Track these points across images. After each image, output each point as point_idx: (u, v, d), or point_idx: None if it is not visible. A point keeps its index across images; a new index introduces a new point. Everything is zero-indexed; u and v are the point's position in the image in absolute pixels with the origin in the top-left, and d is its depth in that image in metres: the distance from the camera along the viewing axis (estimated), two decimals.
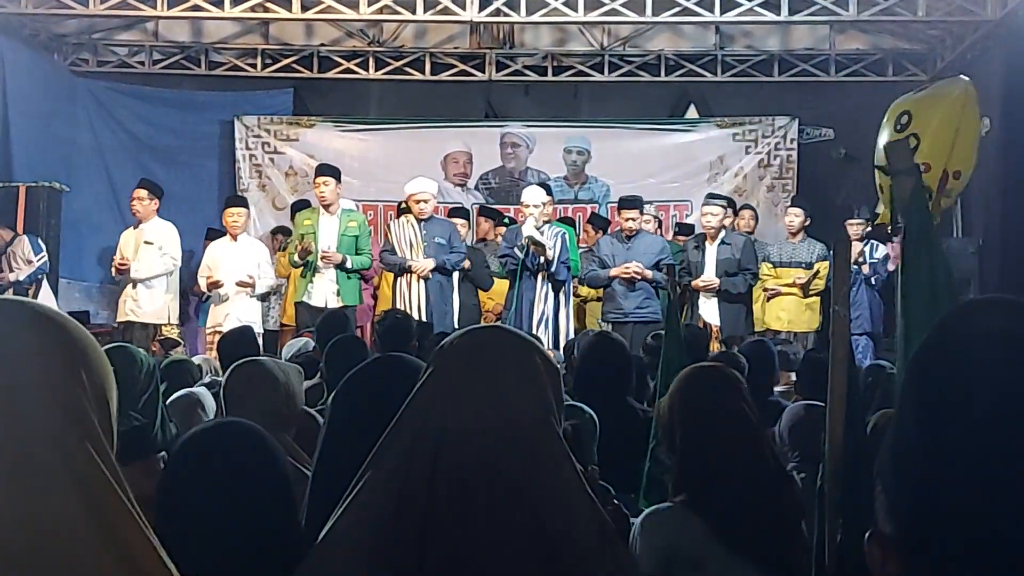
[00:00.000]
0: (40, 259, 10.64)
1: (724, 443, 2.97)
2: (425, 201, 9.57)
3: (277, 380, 3.74)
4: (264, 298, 10.72)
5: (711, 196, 10.61)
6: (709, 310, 9.96)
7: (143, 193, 10.14)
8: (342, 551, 1.69)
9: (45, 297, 10.62)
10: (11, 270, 10.54)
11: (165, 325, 10.04)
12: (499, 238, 10.80)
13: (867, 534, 0.98)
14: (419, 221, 9.51)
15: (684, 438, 3.05)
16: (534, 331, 8.89)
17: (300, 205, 11.78)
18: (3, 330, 1.29)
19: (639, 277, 9.63)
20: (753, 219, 11.40)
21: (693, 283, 9.99)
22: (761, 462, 2.98)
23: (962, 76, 4.72)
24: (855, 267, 9.94)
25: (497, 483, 1.65)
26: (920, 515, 0.93)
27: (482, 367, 1.77)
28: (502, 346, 1.81)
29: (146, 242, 10.02)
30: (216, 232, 10.46)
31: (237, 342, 6.51)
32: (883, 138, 3.54)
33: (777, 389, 6.80)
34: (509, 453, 1.67)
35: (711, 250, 10.03)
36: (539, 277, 9.36)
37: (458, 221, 10.82)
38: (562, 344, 8.85)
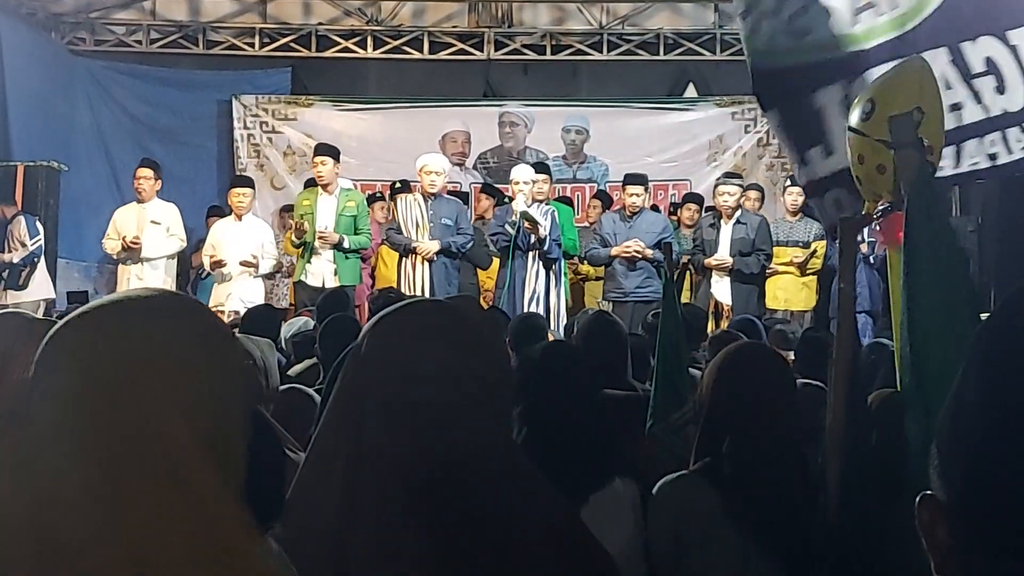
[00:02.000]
0: (35, 243, 10.52)
1: (753, 409, 2.91)
2: (437, 174, 9.48)
3: (252, 356, 3.70)
4: (270, 277, 10.72)
5: (728, 175, 10.58)
6: (721, 289, 9.91)
7: (149, 172, 10.12)
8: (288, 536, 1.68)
9: (41, 279, 10.62)
10: (8, 250, 10.50)
11: None
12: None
13: (917, 499, 0.99)
14: (426, 200, 9.45)
15: (712, 402, 3.00)
16: (526, 309, 8.88)
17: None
18: (154, 329, 1.22)
19: (639, 256, 9.61)
20: (759, 200, 11.34)
21: (706, 261, 9.94)
22: (786, 437, 2.94)
23: (918, 55, 4.78)
24: None
25: (424, 459, 1.62)
26: (974, 481, 0.94)
27: (410, 342, 1.73)
28: (431, 320, 1.77)
29: (152, 222, 10.00)
30: (218, 210, 10.42)
31: (258, 320, 6.49)
32: (848, 127, 3.58)
33: None
34: (438, 428, 1.65)
35: (726, 229, 9.97)
36: (530, 255, 9.33)
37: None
38: (551, 322, 8.81)
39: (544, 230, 9.24)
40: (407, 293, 8.81)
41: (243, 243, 9.93)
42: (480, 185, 13.08)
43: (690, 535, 2.86)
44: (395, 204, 10.02)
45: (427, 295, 8.94)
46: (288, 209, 12.31)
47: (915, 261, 2.40)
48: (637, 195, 9.86)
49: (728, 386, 2.98)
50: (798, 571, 2.81)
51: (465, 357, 1.71)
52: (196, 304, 1.29)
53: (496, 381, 1.74)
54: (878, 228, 3.19)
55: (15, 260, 10.41)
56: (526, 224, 9.19)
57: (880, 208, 3.15)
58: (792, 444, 2.93)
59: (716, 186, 10.41)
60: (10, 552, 1.12)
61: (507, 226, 9.32)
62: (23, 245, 10.44)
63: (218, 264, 9.86)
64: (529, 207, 9.32)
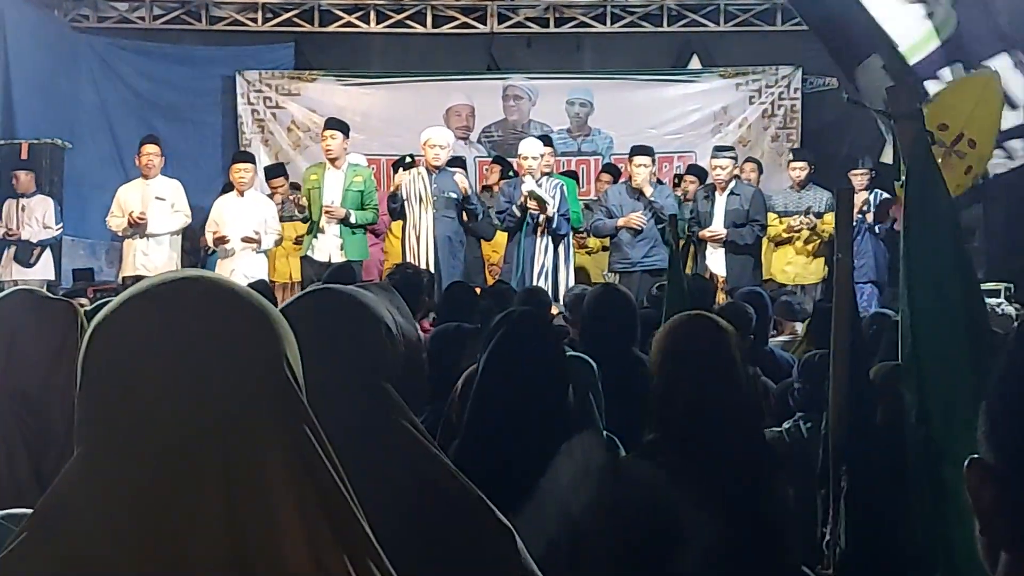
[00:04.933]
0: (59, 228, 10.86)
1: (700, 384, 2.83)
2: (441, 147, 9.45)
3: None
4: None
5: (719, 148, 10.56)
6: (716, 261, 9.95)
7: (156, 149, 10.15)
8: None
9: (47, 260, 10.82)
10: (20, 225, 10.59)
11: None
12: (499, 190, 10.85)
13: (966, 463, 1.00)
14: (430, 174, 9.45)
15: (660, 376, 2.93)
16: (535, 284, 8.88)
17: (273, 171, 11.87)
18: (206, 311, 1.18)
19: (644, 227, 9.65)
20: (756, 171, 11.32)
21: (700, 233, 9.96)
22: (738, 409, 2.85)
23: (988, 66, 4.92)
24: (859, 215, 9.94)
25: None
26: (1022, 443, 0.95)
27: (306, 329, 1.76)
28: (323, 308, 1.80)
29: (157, 198, 10.03)
30: (231, 187, 10.45)
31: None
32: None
33: (781, 339, 6.83)
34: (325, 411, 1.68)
35: (720, 201, 9.99)
36: (539, 230, 9.35)
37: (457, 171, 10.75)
38: (561, 297, 8.81)
39: (552, 208, 9.26)
40: (414, 266, 8.80)
41: (245, 219, 9.94)
42: (486, 159, 13.08)
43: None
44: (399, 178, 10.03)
45: (432, 267, 8.97)
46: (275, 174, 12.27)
47: (913, 231, 2.41)
48: (644, 165, 9.87)
49: (666, 354, 2.93)
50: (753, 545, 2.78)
51: (341, 339, 1.74)
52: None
53: (376, 360, 1.76)
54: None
55: (33, 240, 10.56)
56: (533, 204, 9.21)
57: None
58: (736, 410, 2.85)
59: (710, 159, 10.43)
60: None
61: (515, 207, 9.35)
62: (45, 227, 10.61)
63: (221, 240, 9.88)
64: (538, 181, 9.35)
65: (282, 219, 10.56)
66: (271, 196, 11.27)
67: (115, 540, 1.09)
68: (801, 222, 10.24)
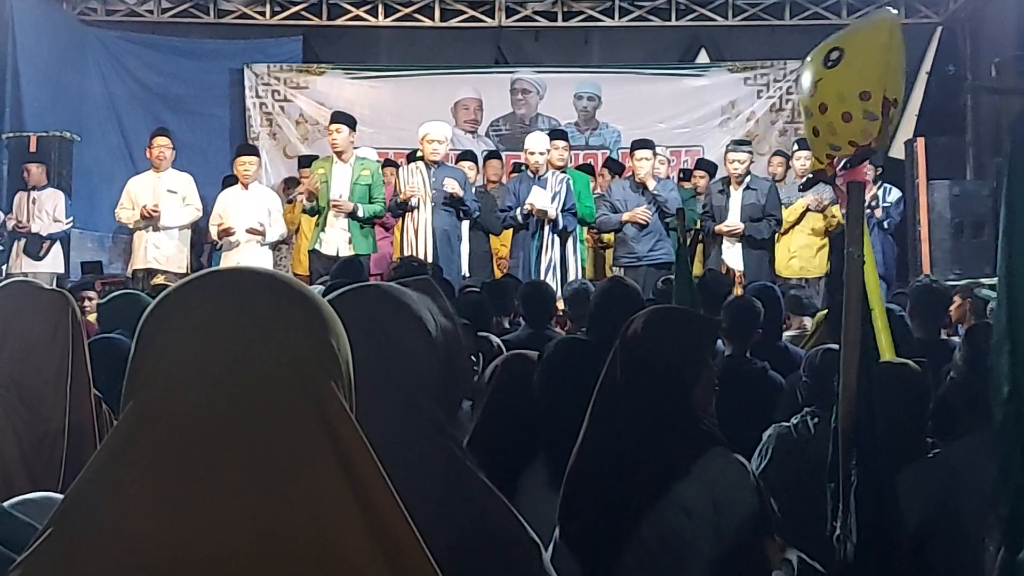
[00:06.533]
0: (68, 222, 10.90)
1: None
2: (439, 142, 9.50)
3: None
4: (276, 247, 10.75)
5: (737, 143, 10.47)
6: (733, 255, 9.89)
7: (167, 141, 10.20)
8: None
9: (57, 253, 10.86)
10: (31, 217, 10.63)
11: (176, 274, 10.07)
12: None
13: None
14: (428, 168, 9.46)
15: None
16: (542, 278, 8.89)
17: (306, 160, 11.84)
18: (254, 299, 1.19)
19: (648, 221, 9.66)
20: (783, 165, 11.09)
21: (716, 228, 9.91)
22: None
23: (888, 8, 4.60)
24: (867, 210, 9.85)
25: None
26: None
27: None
28: (368, 309, 1.73)
29: (169, 191, 10.06)
30: (233, 180, 10.47)
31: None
32: (807, 75, 3.37)
33: (789, 334, 6.81)
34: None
35: (736, 195, 9.92)
36: (546, 226, 9.38)
37: (466, 165, 10.75)
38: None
39: (555, 209, 9.28)
40: (420, 259, 8.80)
41: (250, 211, 9.97)
42: (488, 151, 13.07)
43: None
44: (396, 174, 10.03)
45: (430, 260, 8.96)
46: (291, 181, 12.31)
47: (1017, 206, 2.35)
48: (646, 159, 9.84)
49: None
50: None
51: (380, 340, 1.68)
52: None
53: (415, 367, 1.71)
54: (841, 175, 3.15)
55: (43, 233, 10.60)
56: (535, 212, 9.27)
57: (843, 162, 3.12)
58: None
59: (726, 153, 10.35)
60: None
61: (518, 214, 9.40)
62: (55, 221, 10.68)
63: (226, 232, 9.89)
64: (543, 176, 9.35)
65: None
66: (298, 186, 11.28)
67: (144, 529, 1.07)
68: (818, 199, 10.14)
